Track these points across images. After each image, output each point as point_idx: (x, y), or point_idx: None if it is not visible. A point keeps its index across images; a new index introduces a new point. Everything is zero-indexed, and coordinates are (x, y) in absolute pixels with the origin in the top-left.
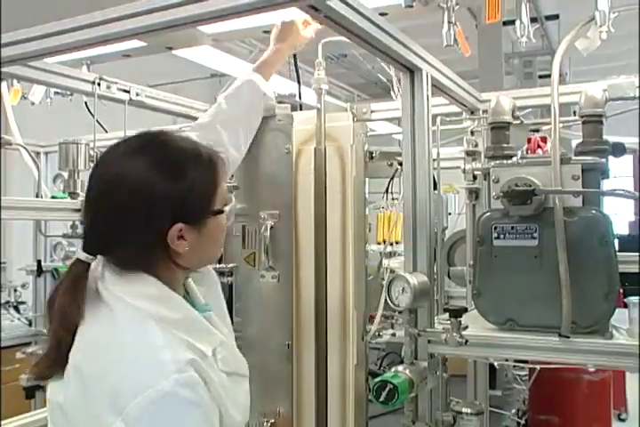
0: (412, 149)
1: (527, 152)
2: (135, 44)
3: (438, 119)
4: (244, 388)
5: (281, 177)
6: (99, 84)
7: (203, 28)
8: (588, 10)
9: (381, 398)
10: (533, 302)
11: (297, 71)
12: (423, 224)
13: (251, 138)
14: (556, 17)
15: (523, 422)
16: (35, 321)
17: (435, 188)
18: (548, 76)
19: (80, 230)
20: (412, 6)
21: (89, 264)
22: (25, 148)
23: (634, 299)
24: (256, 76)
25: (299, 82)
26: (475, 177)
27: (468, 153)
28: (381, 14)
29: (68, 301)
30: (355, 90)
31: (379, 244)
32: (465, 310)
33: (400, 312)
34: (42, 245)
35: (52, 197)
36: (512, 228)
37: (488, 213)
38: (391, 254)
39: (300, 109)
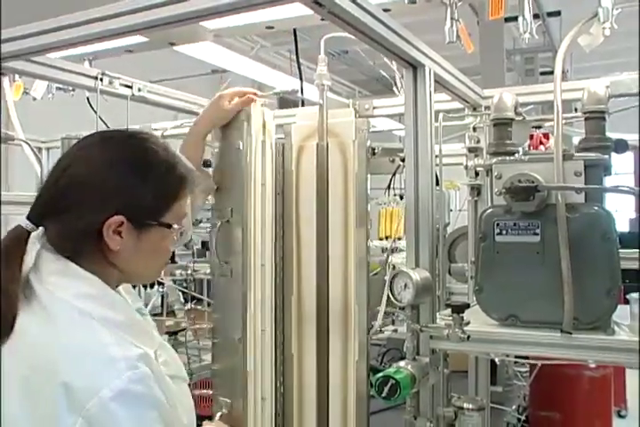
0: (415, 145)
1: (529, 148)
2: (137, 39)
3: (440, 115)
4: (186, 391)
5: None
6: (101, 80)
7: (205, 24)
8: (590, 7)
9: (384, 394)
10: (535, 298)
11: (299, 67)
12: (425, 220)
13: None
14: (558, 13)
15: (523, 418)
16: None
17: (437, 184)
18: (550, 72)
19: None
20: (415, 2)
21: (29, 233)
22: (27, 143)
23: (635, 295)
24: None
25: (300, 78)
26: (477, 173)
27: (470, 149)
28: (385, 10)
29: (3, 266)
30: (356, 86)
31: (381, 239)
32: (467, 305)
33: (402, 308)
34: None
35: None
36: (514, 224)
37: (490, 210)
38: (393, 250)
39: (302, 105)
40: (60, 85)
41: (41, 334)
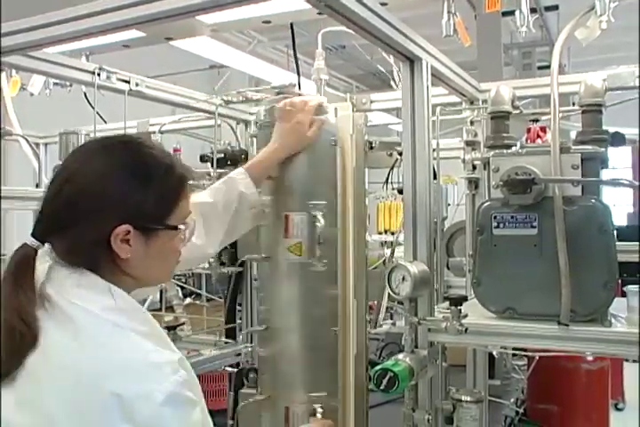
0: (412, 138)
1: (527, 142)
2: (134, 34)
3: (438, 109)
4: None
5: (325, 169)
6: (98, 75)
7: (202, 19)
8: (588, 1)
9: (382, 386)
10: (533, 291)
11: (296, 62)
12: (423, 214)
13: (227, 236)
14: (556, 8)
15: (521, 411)
16: None
17: (434, 177)
18: (547, 67)
19: None
20: None
21: (35, 251)
22: (25, 138)
23: (633, 287)
24: (241, 173)
25: (298, 73)
26: (474, 167)
27: (467, 143)
28: (382, 4)
29: (13, 287)
30: (353, 81)
31: (380, 233)
32: (465, 298)
33: (400, 302)
34: None
35: None
36: (512, 217)
37: (488, 203)
38: (392, 244)
39: None
40: (58, 81)
41: (77, 349)
